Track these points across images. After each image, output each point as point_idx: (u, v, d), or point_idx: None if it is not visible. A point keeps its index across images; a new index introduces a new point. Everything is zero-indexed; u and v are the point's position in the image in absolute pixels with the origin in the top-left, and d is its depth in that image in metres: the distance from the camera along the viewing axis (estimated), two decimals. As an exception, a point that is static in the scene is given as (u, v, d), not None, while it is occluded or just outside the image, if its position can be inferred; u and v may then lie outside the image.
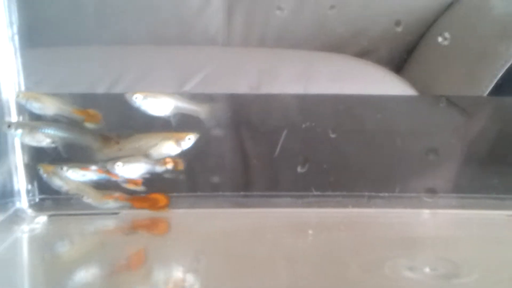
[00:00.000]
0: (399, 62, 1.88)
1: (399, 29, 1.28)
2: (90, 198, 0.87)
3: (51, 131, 0.85)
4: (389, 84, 1.62)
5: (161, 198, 0.91)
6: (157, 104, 0.84)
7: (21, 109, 0.91)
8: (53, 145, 0.86)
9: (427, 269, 0.75)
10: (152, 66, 1.45)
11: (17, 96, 0.88)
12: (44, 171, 0.88)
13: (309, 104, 1.21)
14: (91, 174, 0.87)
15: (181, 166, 0.87)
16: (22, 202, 0.94)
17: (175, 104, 0.85)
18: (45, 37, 1.44)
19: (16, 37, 0.89)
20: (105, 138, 0.88)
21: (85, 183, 0.87)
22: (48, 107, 0.87)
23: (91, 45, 1.49)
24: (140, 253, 0.85)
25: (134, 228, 0.95)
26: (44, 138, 0.86)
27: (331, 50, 1.85)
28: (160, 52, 1.57)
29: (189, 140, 0.83)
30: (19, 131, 0.86)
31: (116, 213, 0.92)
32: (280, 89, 1.50)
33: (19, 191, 0.93)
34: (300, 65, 1.66)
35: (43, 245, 0.88)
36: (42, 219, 0.92)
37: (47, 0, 1.58)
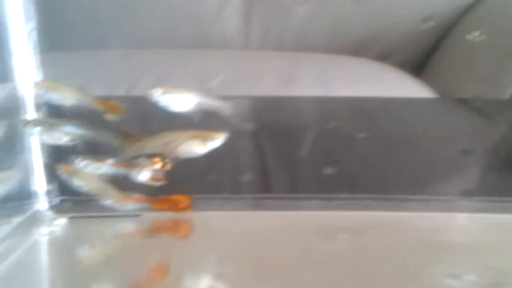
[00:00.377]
0: (419, 65, 1.85)
1: (427, 25, 1.24)
2: (111, 198, 0.84)
3: (70, 128, 0.82)
4: (409, 87, 1.58)
5: (182, 199, 0.87)
6: (178, 100, 0.80)
7: (38, 106, 0.87)
8: (72, 143, 0.82)
9: (470, 277, 0.70)
10: (170, 70, 1.42)
11: (35, 85, 0.84)
12: (63, 170, 0.84)
13: (333, 106, 1.17)
14: (106, 167, 0.83)
15: (168, 167, 0.83)
16: (41, 204, 0.91)
17: (198, 100, 0.81)
18: (63, 41, 1.42)
19: (34, 33, 0.86)
20: (127, 135, 0.84)
21: (106, 183, 0.84)
22: (67, 97, 0.83)
23: (109, 49, 1.46)
24: (161, 267, 0.81)
25: (155, 230, 0.91)
26: (63, 136, 0.82)
27: (349, 53, 1.82)
28: (177, 56, 1.54)
29: (215, 139, 0.79)
30: (37, 128, 0.82)
31: (137, 215, 0.88)
32: (299, 92, 1.46)
33: (37, 192, 0.90)
34: (319, 68, 1.62)
35: (62, 248, 0.85)
36: (62, 221, 0.89)
37: (64, 4, 1.56)
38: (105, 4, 1.58)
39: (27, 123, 0.81)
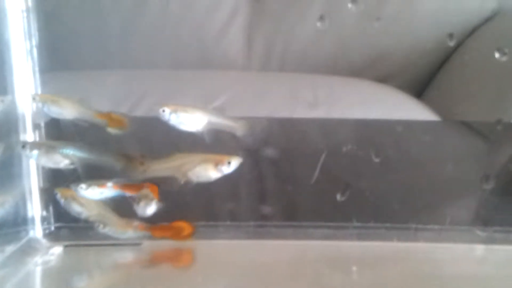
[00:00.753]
0: (420, 87, 1.84)
1: (451, 43, 1.22)
2: (110, 225, 0.79)
3: (70, 151, 0.78)
4: (411, 109, 1.56)
5: (185, 226, 0.82)
6: (189, 119, 0.76)
7: (36, 126, 0.83)
8: (71, 167, 0.78)
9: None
10: (172, 90, 1.38)
11: (34, 98, 0.80)
12: (61, 195, 0.79)
13: (337, 129, 1.14)
14: (107, 191, 0.78)
15: (155, 194, 0.79)
16: (36, 231, 0.86)
17: (208, 119, 0.77)
18: (66, 60, 1.39)
19: (35, 50, 0.82)
20: (129, 158, 0.80)
21: (106, 209, 0.79)
22: (67, 110, 0.79)
23: (111, 69, 1.43)
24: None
25: (155, 260, 0.86)
26: (62, 159, 0.78)
27: (351, 75, 1.80)
28: (180, 76, 1.51)
29: (229, 164, 0.75)
30: (35, 151, 0.78)
31: (137, 244, 0.83)
32: (301, 114, 1.43)
33: (33, 218, 0.86)
34: (321, 90, 1.60)
35: (58, 279, 0.80)
36: (57, 250, 0.84)
37: (66, 24, 1.54)
38: (108, 24, 1.55)
39: (24, 145, 0.77)
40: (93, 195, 0.78)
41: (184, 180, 0.76)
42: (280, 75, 1.73)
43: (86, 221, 0.80)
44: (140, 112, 1.24)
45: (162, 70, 1.57)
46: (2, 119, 0.80)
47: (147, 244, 0.84)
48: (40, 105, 0.79)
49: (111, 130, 0.79)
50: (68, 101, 0.79)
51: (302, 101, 1.43)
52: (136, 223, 0.80)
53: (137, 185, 0.79)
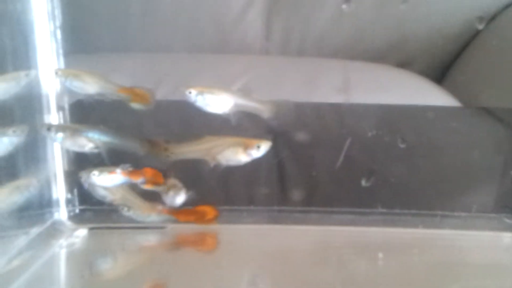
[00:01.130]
0: (441, 72, 1.81)
1: (480, 26, 1.19)
2: (136, 209, 0.79)
3: (94, 135, 0.77)
4: (432, 94, 1.54)
5: (209, 210, 0.82)
6: (215, 101, 0.75)
7: (60, 101, 0.83)
8: (96, 151, 0.77)
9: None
10: (190, 74, 1.37)
11: (56, 73, 0.79)
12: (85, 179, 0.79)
13: (366, 115, 1.12)
14: (118, 177, 0.78)
15: (159, 180, 0.78)
16: (61, 213, 0.86)
17: (235, 101, 0.76)
18: (87, 43, 1.38)
19: (58, 32, 0.81)
20: (153, 143, 0.79)
21: (130, 193, 0.79)
22: (89, 85, 0.78)
23: (130, 53, 1.42)
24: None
25: (180, 244, 0.86)
26: (87, 143, 0.77)
27: (371, 60, 1.78)
28: (198, 60, 1.50)
29: (259, 148, 0.74)
30: (60, 134, 0.77)
31: (162, 228, 0.83)
32: (321, 99, 1.41)
33: (58, 201, 0.85)
34: (341, 75, 1.58)
35: (82, 261, 0.80)
36: (82, 232, 0.84)
37: (87, 7, 1.53)
38: (127, 8, 1.54)
39: (49, 128, 0.76)
40: (105, 182, 0.77)
41: (214, 163, 0.75)
42: (299, 59, 1.71)
43: (110, 204, 0.79)
44: (158, 95, 1.23)
45: (180, 53, 1.56)
46: (27, 96, 0.79)
47: (171, 227, 0.83)
48: (62, 79, 0.78)
49: (134, 105, 0.78)
50: (90, 76, 0.77)
51: (326, 85, 1.41)
52: (160, 207, 0.80)
53: (140, 171, 0.78)
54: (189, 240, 0.85)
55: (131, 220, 0.81)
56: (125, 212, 0.79)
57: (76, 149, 0.77)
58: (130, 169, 0.77)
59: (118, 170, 0.77)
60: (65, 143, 0.77)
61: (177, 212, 0.80)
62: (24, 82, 0.74)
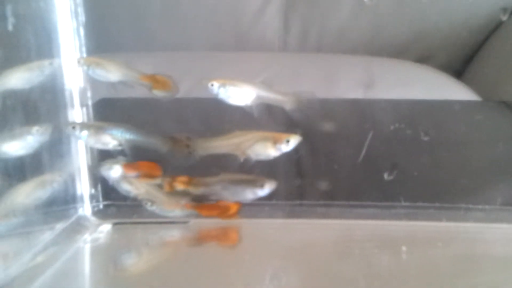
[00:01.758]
0: (462, 66, 1.79)
1: (504, 17, 1.18)
2: (159, 203, 0.79)
3: (118, 132, 0.78)
4: (452, 89, 1.52)
5: (231, 205, 0.82)
6: (237, 93, 0.75)
7: (83, 99, 0.84)
8: (119, 148, 0.78)
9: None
10: (209, 71, 1.38)
11: (78, 62, 0.80)
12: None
13: (387, 109, 1.11)
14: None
15: (156, 173, 0.78)
16: (85, 209, 0.86)
17: (257, 93, 0.76)
18: (107, 42, 1.40)
19: (82, 30, 0.82)
20: (175, 140, 0.80)
21: (154, 188, 0.79)
22: (112, 73, 0.79)
23: (149, 51, 1.43)
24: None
25: (202, 239, 0.86)
26: (111, 141, 0.78)
27: (391, 55, 1.76)
28: (217, 58, 1.50)
29: (288, 143, 0.74)
30: (84, 133, 0.78)
31: (185, 222, 0.84)
32: (341, 95, 1.41)
33: (82, 197, 0.86)
34: (361, 71, 1.57)
35: (107, 256, 0.80)
36: (106, 227, 0.85)
37: (107, 6, 1.54)
38: (147, 6, 1.55)
39: (74, 126, 0.77)
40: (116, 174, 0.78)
41: (243, 157, 0.75)
42: (318, 56, 1.70)
43: (134, 199, 0.80)
44: (180, 92, 1.24)
45: (199, 51, 1.56)
46: (51, 92, 0.80)
47: (194, 222, 0.83)
48: (85, 68, 0.78)
49: (156, 92, 0.79)
50: (113, 64, 0.78)
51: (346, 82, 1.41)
52: (183, 201, 0.80)
53: (134, 165, 0.79)
54: (212, 235, 0.85)
55: (154, 215, 0.81)
56: (149, 206, 0.79)
57: (100, 146, 0.79)
58: (124, 162, 0.78)
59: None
60: (89, 141, 0.78)
61: (200, 207, 0.81)
62: (48, 71, 0.76)
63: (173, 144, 0.80)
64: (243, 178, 0.77)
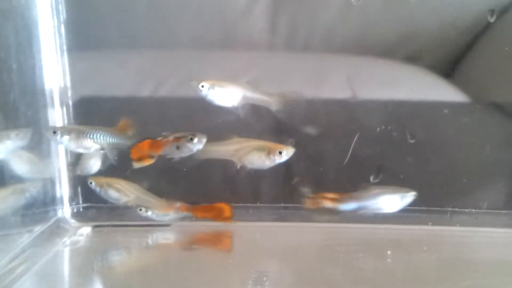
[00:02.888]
0: (451, 66, 1.77)
1: (492, 19, 1.17)
2: (152, 208, 0.78)
3: (99, 136, 0.76)
4: (441, 90, 1.51)
5: (225, 207, 0.81)
6: (225, 94, 0.74)
7: (64, 98, 0.82)
8: (102, 151, 0.76)
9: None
10: (196, 71, 1.35)
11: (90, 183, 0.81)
12: (96, 184, 0.78)
13: (373, 110, 1.10)
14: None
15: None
16: (65, 211, 0.84)
17: (243, 93, 0.75)
18: (92, 39, 1.37)
19: (63, 27, 0.80)
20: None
21: (145, 192, 0.78)
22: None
23: (135, 49, 1.41)
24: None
25: (196, 242, 0.85)
26: (93, 144, 0.76)
27: (380, 54, 1.74)
28: (203, 57, 1.48)
29: (280, 154, 0.74)
30: (65, 137, 0.76)
31: (167, 225, 0.82)
32: (328, 95, 1.39)
33: (61, 198, 0.84)
34: (349, 70, 1.56)
35: (86, 260, 0.78)
36: (86, 230, 0.83)
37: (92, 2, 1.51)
38: (132, 3, 1.53)
39: (55, 131, 0.75)
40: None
41: (240, 164, 0.75)
42: (305, 56, 1.68)
43: (126, 205, 0.78)
44: (164, 92, 1.22)
45: (185, 50, 1.54)
46: (31, 92, 0.78)
47: (176, 225, 0.82)
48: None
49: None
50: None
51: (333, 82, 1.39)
52: (178, 204, 0.79)
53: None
54: (205, 239, 0.84)
55: (136, 217, 0.80)
56: (144, 213, 0.78)
57: (82, 151, 0.77)
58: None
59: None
60: (70, 146, 0.77)
61: (195, 209, 0.79)
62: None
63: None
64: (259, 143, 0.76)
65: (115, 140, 0.77)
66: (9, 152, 0.71)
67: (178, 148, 0.75)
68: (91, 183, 0.77)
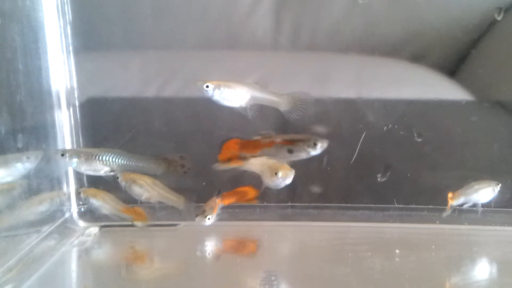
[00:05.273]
0: (454, 67, 1.77)
1: (499, 17, 1.17)
2: (174, 205, 0.78)
3: (109, 158, 0.76)
4: (444, 89, 1.50)
5: (250, 190, 0.81)
6: (231, 94, 0.74)
7: (70, 99, 0.82)
8: (112, 174, 0.76)
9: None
10: (200, 71, 1.35)
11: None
12: (123, 179, 0.79)
13: (379, 109, 1.10)
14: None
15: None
16: (72, 211, 0.84)
17: (252, 94, 0.75)
18: (98, 40, 1.38)
19: (69, 28, 0.80)
20: (169, 161, 0.78)
21: (165, 189, 0.78)
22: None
23: (140, 49, 1.41)
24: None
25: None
26: (102, 167, 0.76)
27: (384, 53, 1.74)
28: (208, 57, 1.48)
29: (276, 175, 0.73)
30: (74, 160, 0.76)
31: (174, 225, 0.82)
32: (333, 95, 1.39)
33: (69, 198, 0.84)
34: (354, 70, 1.55)
35: (94, 261, 0.78)
36: (94, 230, 0.83)
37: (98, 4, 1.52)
38: (136, 3, 1.53)
39: (63, 153, 0.75)
40: None
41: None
42: (310, 55, 1.68)
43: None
44: (168, 91, 1.22)
45: (190, 50, 1.54)
46: (37, 93, 0.79)
47: (184, 225, 0.82)
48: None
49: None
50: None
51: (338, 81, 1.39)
52: (217, 200, 0.79)
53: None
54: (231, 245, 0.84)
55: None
56: (202, 220, 0.78)
57: (92, 173, 0.77)
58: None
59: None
60: (80, 167, 0.76)
61: (226, 198, 0.80)
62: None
63: (167, 165, 0.78)
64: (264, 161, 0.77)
65: (125, 162, 0.76)
66: (19, 175, 0.72)
67: (291, 151, 0.75)
68: (117, 177, 0.76)
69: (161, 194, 0.76)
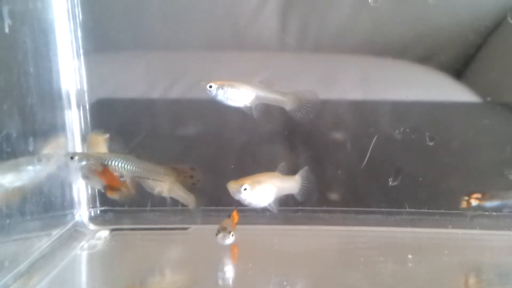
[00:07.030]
0: (461, 68, 1.76)
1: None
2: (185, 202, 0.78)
3: (119, 163, 0.75)
4: (451, 90, 1.50)
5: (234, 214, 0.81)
6: (236, 94, 0.73)
7: (80, 100, 0.82)
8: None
9: None
10: (207, 72, 1.35)
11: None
12: None
13: (387, 111, 1.09)
14: None
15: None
16: (82, 215, 0.84)
17: (256, 94, 0.74)
18: (106, 41, 1.38)
19: (79, 30, 0.80)
20: (179, 171, 0.78)
21: (180, 187, 0.78)
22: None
23: (147, 50, 1.41)
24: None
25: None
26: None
27: (391, 55, 1.73)
28: (214, 58, 1.47)
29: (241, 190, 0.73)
30: (83, 163, 0.76)
31: (185, 228, 0.81)
32: (339, 96, 1.38)
33: (79, 202, 0.84)
34: (360, 71, 1.55)
35: (104, 265, 0.78)
36: (104, 234, 0.82)
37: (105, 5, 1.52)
38: (143, 4, 1.53)
39: (72, 156, 0.75)
40: None
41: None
42: (316, 56, 1.67)
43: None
44: (175, 93, 1.22)
45: (196, 51, 1.53)
46: (47, 94, 0.78)
47: (194, 228, 0.81)
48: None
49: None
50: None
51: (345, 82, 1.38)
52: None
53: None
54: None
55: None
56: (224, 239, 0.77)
57: None
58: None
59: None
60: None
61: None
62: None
63: (177, 175, 0.77)
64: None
65: (134, 168, 0.76)
66: (31, 178, 0.71)
67: None
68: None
69: (173, 190, 0.76)
